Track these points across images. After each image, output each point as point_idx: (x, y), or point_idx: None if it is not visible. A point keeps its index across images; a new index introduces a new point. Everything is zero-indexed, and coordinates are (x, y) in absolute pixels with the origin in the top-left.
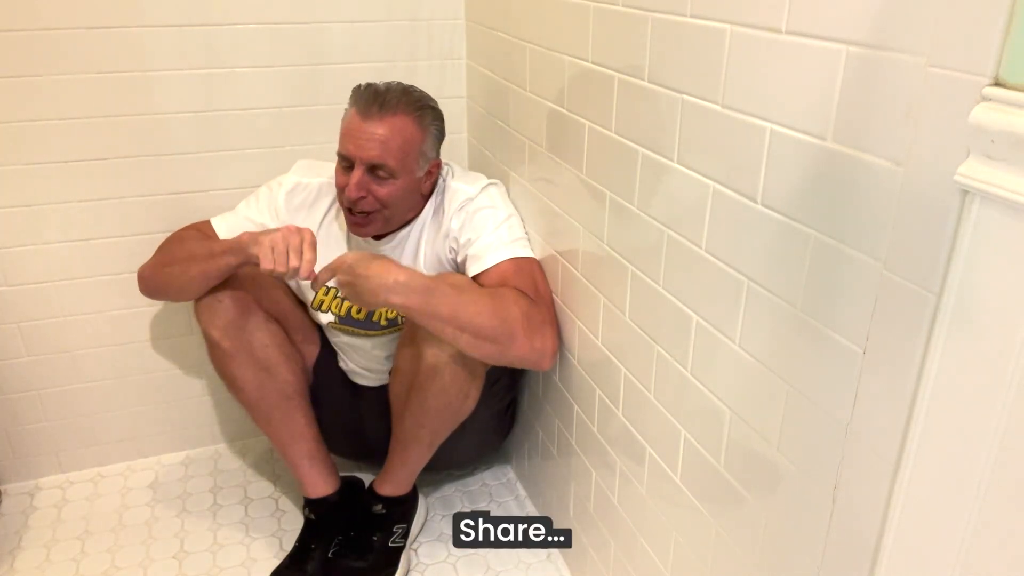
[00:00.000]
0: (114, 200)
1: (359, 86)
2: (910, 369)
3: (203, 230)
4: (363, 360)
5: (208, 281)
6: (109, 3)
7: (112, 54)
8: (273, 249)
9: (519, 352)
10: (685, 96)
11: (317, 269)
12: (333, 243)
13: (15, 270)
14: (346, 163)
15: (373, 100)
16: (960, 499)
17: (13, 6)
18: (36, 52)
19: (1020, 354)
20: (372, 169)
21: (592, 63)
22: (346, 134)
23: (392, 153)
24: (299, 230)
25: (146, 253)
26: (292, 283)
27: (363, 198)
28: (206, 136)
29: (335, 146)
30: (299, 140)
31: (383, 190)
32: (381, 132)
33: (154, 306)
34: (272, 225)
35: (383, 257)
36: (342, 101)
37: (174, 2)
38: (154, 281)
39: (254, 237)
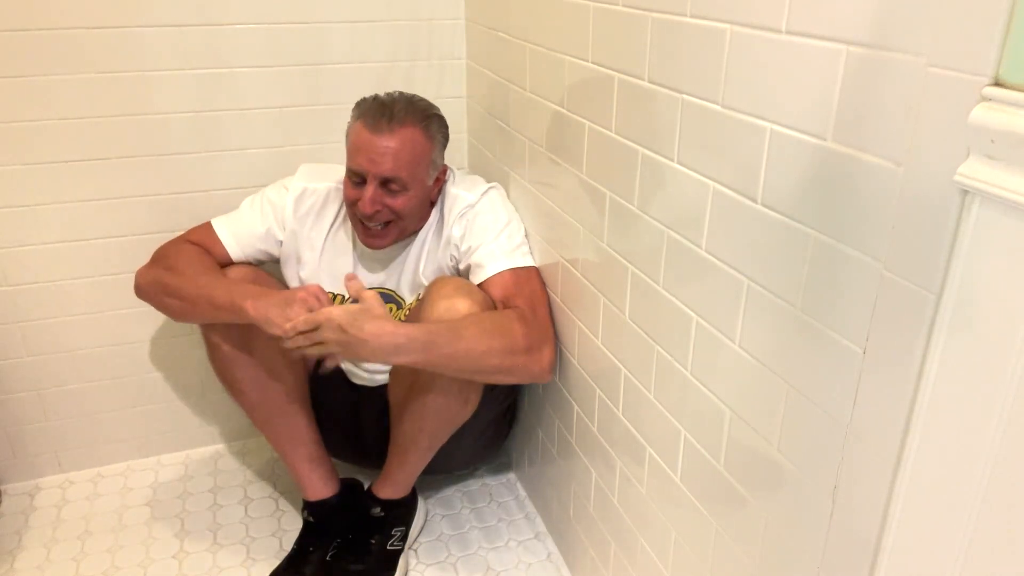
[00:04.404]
0: (114, 200)
1: (363, 99)
2: (910, 369)
3: (206, 242)
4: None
5: (202, 322)
6: (109, 3)
7: (112, 54)
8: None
9: (519, 376)
10: (685, 96)
11: (326, 276)
12: (339, 251)
13: (15, 270)
14: (357, 178)
15: (381, 114)
16: (960, 499)
17: (13, 6)
18: (36, 52)
19: (1020, 354)
20: (385, 183)
21: (592, 63)
22: (356, 149)
23: (404, 166)
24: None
25: (146, 253)
26: (295, 283)
27: (378, 211)
28: (206, 136)
29: (335, 146)
30: (299, 140)
31: (397, 202)
32: (392, 145)
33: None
34: (277, 232)
35: (377, 315)
36: (342, 101)
37: (174, 2)
38: (150, 299)
39: (261, 312)
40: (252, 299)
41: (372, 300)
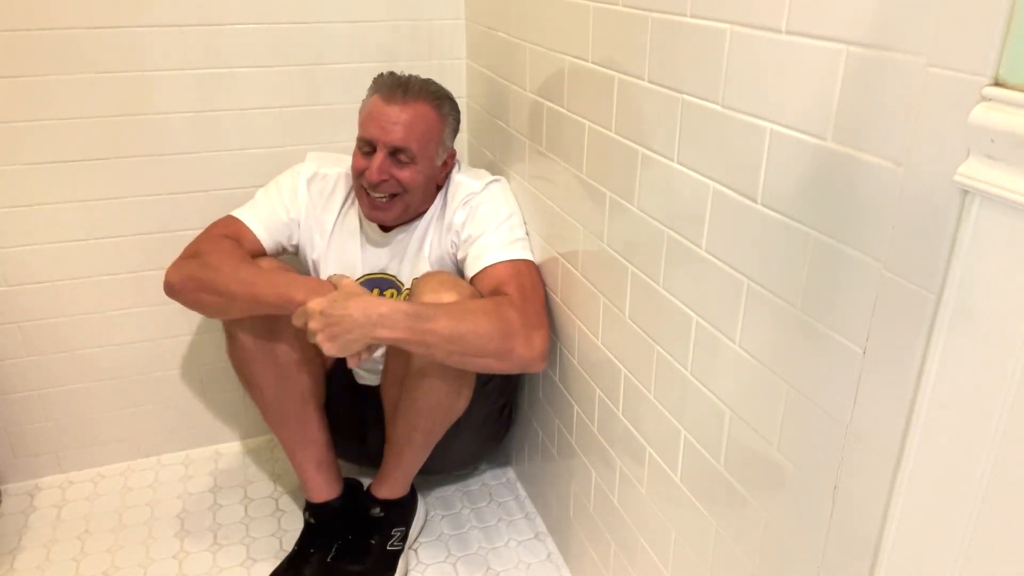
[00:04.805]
0: (114, 200)
1: (381, 74)
2: (910, 369)
3: (236, 235)
4: (368, 362)
5: (240, 316)
6: (109, 3)
7: (112, 54)
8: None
9: (505, 365)
10: (685, 96)
11: (333, 261)
12: (347, 235)
13: (15, 270)
14: (368, 147)
15: (397, 86)
16: (960, 499)
17: (13, 6)
18: (36, 52)
19: (1020, 354)
20: (394, 153)
21: (592, 63)
22: (369, 118)
23: (415, 137)
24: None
25: (146, 253)
26: (310, 269)
27: (385, 181)
28: (206, 136)
29: (335, 145)
30: (299, 140)
31: (404, 174)
32: (405, 116)
33: (154, 306)
34: (295, 215)
35: (357, 293)
36: (342, 101)
37: (174, 2)
38: (184, 297)
39: (321, 308)
40: (305, 293)
41: (350, 284)
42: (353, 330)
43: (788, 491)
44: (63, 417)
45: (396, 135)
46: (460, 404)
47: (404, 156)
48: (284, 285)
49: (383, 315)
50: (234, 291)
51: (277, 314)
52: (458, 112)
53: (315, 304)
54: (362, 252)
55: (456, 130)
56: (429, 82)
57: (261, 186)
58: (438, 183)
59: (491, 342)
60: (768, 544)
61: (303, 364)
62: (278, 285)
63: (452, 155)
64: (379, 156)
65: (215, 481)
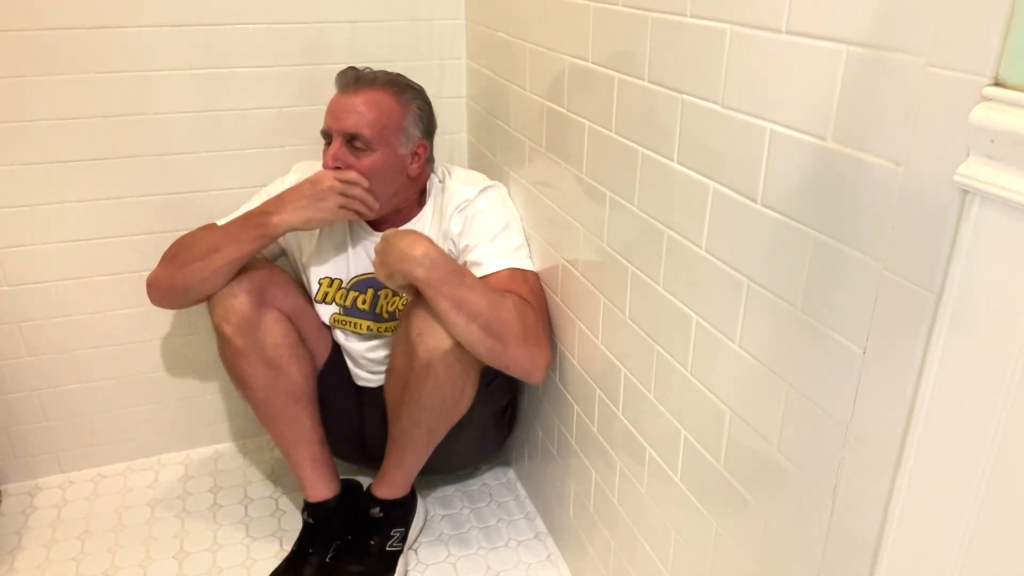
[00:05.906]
0: (114, 200)
1: (343, 69)
2: (910, 369)
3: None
4: (362, 361)
5: (234, 268)
6: (108, 3)
7: (112, 54)
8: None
9: (516, 355)
10: (685, 96)
11: (323, 262)
12: (336, 240)
13: (15, 270)
14: (327, 139)
15: (351, 77)
16: (960, 499)
17: (12, 6)
18: (36, 52)
19: (1020, 354)
20: (350, 141)
21: (592, 63)
22: (327, 110)
23: (367, 123)
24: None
25: (146, 253)
26: (299, 272)
27: (339, 168)
28: (206, 136)
29: None
30: (299, 140)
31: (362, 163)
32: (358, 104)
33: (154, 306)
34: None
35: (418, 232)
36: None
37: (174, 2)
38: (177, 282)
39: (299, 217)
40: (272, 215)
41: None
42: (398, 262)
43: (788, 491)
44: (63, 417)
45: (347, 122)
46: (463, 403)
47: (359, 143)
48: (253, 212)
49: (427, 255)
50: (214, 244)
51: (263, 244)
52: (426, 104)
53: (387, 231)
54: (352, 254)
55: (425, 121)
56: (395, 75)
57: (261, 186)
58: (410, 174)
59: (513, 329)
60: (768, 544)
61: (293, 361)
62: (247, 216)
63: (423, 146)
64: (335, 144)
65: (215, 481)
